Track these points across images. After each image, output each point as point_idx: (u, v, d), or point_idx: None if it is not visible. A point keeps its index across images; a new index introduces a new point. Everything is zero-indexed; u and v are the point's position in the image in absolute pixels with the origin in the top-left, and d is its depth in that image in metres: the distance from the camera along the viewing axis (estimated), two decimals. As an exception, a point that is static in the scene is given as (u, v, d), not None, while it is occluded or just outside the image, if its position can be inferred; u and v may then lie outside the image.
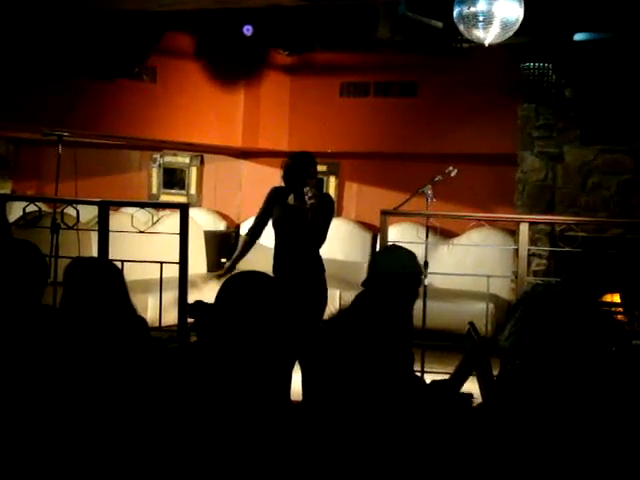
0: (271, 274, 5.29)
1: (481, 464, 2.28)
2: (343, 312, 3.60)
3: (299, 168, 5.43)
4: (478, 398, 3.20)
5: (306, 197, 5.31)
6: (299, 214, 5.39)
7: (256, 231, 5.60)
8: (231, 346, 2.30)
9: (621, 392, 2.33)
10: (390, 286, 3.61)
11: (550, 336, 2.35)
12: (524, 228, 6.16)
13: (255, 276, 2.43)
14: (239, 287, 2.41)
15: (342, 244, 8.55)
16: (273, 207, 5.52)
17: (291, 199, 5.46)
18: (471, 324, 3.62)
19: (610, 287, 4.34)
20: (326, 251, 5.61)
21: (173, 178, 10.34)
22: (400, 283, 3.63)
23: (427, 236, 6.94)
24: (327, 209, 5.49)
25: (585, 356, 2.33)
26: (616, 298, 4.57)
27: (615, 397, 2.32)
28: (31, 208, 6.46)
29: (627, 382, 2.37)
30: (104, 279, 3.02)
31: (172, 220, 7.59)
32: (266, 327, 2.32)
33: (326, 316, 4.75)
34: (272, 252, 5.58)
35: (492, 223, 7.98)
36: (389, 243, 3.96)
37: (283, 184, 5.54)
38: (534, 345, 2.35)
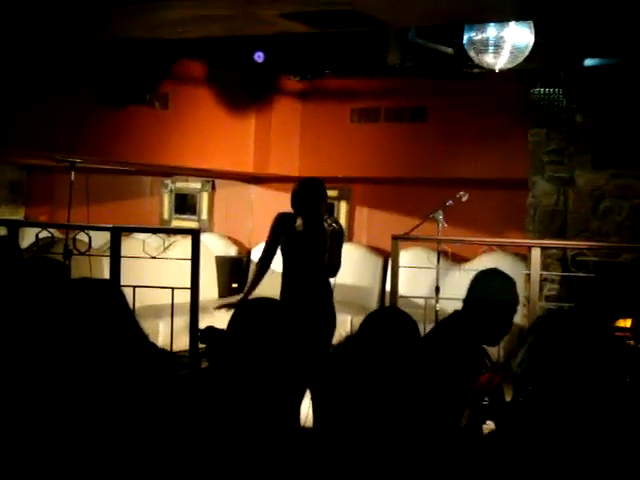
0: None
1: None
2: (437, 327, 3.52)
3: (308, 194, 5.43)
4: (490, 424, 3.18)
5: (326, 224, 5.31)
6: (307, 240, 5.39)
7: (266, 260, 5.56)
8: (243, 373, 2.30)
9: (636, 419, 2.31)
10: (481, 314, 3.50)
11: (563, 362, 2.33)
12: (536, 253, 6.15)
13: (267, 303, 2.43)
14: (252, 314, 2.41)
15: (353, 269, 8.55)
16: (280, 234, 5.50)
17: (299, 225, 5.46)
18: (482, 349, 3.60)
19: (623, 312, 4.32)
20: (337, 276, 5.61)
21: (184, 203, 10.38)
22: (492, 312, 3.50)
23: (438, 261, 6.95)
24: (339, 235, 5.49)
25: (598, 383, 2.31)
26: (627, 323, 4.55)
27: (630, 425, 2.30)
28: (44, 234, 6.50)
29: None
30: (106, 302, 2.99)
31: (183, 245, 7.61)
32: (278, 354, 2.32)
33: (335, 341, 4.72)
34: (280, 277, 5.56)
35: (503, 248, 7.98)
36: (486, 267, 3.79)
37: (292, 210, 5.53)
38: (547, 371, 2.34)
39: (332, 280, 5.48)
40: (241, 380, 2.32)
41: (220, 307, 5.42)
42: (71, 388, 2.53)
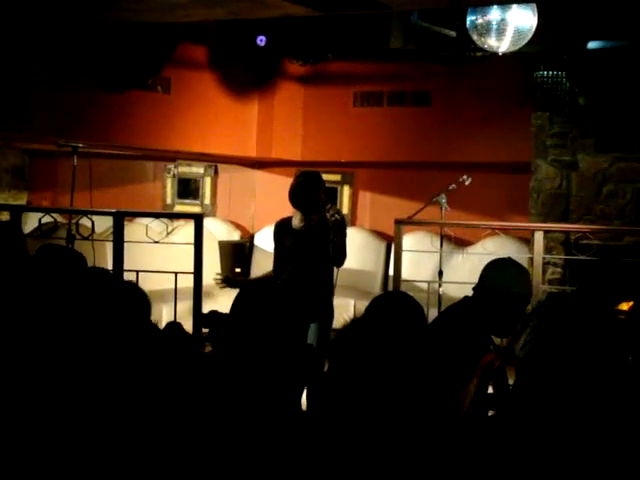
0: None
1: (495, 475, 2.27)
2: (446, 312, 3.50)
3: (306, 188, 5.43)
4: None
5: (328, 214, 5.31)
6: (309, 236, 5.40)
7: (278, 269, 5.54)
8: (246, 356, 2.31)
9: (638, 402, 2.32)
10: (492, 304, 3.45)
11: (566, 345, 2.33)
12: (539, 237, 6.14)
13: (270, 286, 2.44)
14: (255, 297, 2.41)
15: (356, 253, 8.55)
16: (283, 239, 5.52)
17: (296, 221, 5.47)
18: (489, 338, 3.58)
19: (625, 295, 4.31)
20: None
21: (187, 188, 10.38)
22: (503, 302, 3.45)
23: (441, 245, 6.94)
24: (342, 225, 5.47)
25: (602, 365, 2.32)
26: (626, 306, 4.55)
27: (633, 407, 2.31)
28: (46, 219, 6.50)
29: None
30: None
31: (186, 230, 7.62)
32: (280, 337, 2.32)
33: (340, 325, 4.73)
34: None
35: (506, 232, 7.97)
36: (501, 256, 3.71)
37: (291, 204, 5.51)
38: (550, 354, 2.34)
39: (335, 270, 5.49)
40: (244, 364, 2.32)
41: (224, 280, 5.49)
42: (79, 373, 2.55)
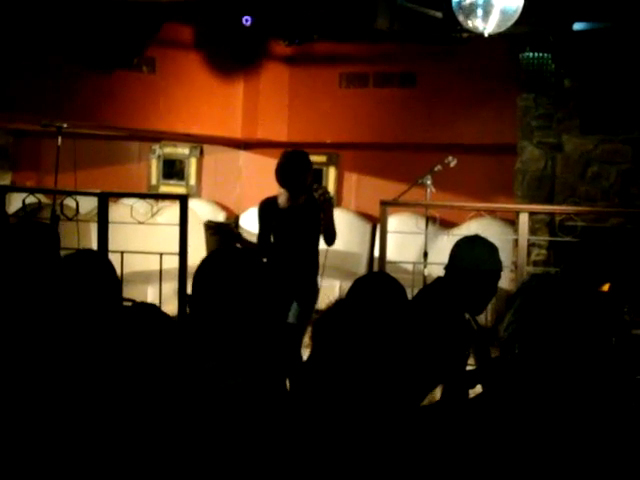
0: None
1: (480, 456, 2.29)
2: (420, 294, 3.49)
3: (293, 166, 5.39)
4: (477, 388, 3.21)
5: (316, 194, 5.30)
6: (296, 215, 5.38)
7: (263, 249, 5.48)
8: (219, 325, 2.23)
9: (621, 382, 2.34)
10: (465, 283, 3.44)
11: (549, 326, 2.35)
12: (524, 218, 6.16)
13: (239, 252, 2.34)
14: (222, 262, 2.27)
15: (341, 234, 8.50)
16: (269, 219, 5.47)
17: (282, 200, 5.44)
18: (466, 317, 3.60)
19: (608, 277, 4.34)
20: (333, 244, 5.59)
21: (172, 169, 10.34)
22: (476, 280, 3.45)
23: (427, 226, 6.96)
24: (330, 204, 5.46)
25: (585, 346, 2.33)
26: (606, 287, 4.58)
27: (615, 387, 2.33)
28: (30, 199, 6.47)
29: (627, 372, 2.37)
30: (97, 274, 2.96)
31: (172, 211, 7.60)
32: (250, 304, 2.21)
33: (324, 305, 4.73)
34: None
35: (492, 213, 7.99)
36: (471, 234, 3.70)
37: (277, 183, 5.48)
38: (533, 335, 2.36)
39: (324, 251, 5.49)
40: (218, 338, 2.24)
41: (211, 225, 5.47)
42: (57, 355, 2.54)
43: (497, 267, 3.52)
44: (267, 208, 5.51)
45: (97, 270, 2.87)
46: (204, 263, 2.26)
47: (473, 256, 3.47)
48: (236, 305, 2.17)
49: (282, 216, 5.42)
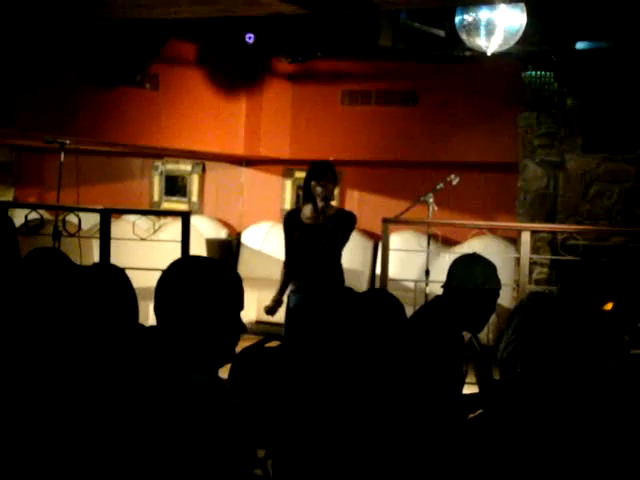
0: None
1: (481, 475, 2.28)
2: (418, 312, 3.47)
3: (308, 177, 5.36)
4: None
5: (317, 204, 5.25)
6: (314, 230, 5.33)
7: (289, 260, 5.48)
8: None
9: (622, 403, 2.32)
10: (463, 302, 3.41)
11: (548, 346, 2.34)
12: (526, 237, 6.15)
13: (199, 261, 2.35)
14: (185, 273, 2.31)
15: (344, 252, 8.55)
16: (292, 231, 5.43)
17: (305, 213, 5.39)
18: (463, 336, 3.58)
19: (610, 296, 4.33)
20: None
21: (175, 186, 10.35)
22: (474, 300, 3.41)
23: (428, 244, 6.95)
24: (347, 221, 5.42)
25: (585, 366, 2.32)
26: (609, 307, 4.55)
27: (616, 409, 2.31)
28: (33, 215, 6.47)
29: (628, 393, 2.36)
30: (114, 286, 2.94)
31: (174, 228, 7.60)
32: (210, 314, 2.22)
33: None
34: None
35: (494, 231, 7.98)
36: (469, 252, 3.69)
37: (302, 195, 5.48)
38: (533, 355, 2.34)
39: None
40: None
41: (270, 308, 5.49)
42: (73, 370, 2.53)
43: (495, 285, 3.49)
44: (290, 218, 5.48)
45: (117, 284, 2.86)
46: (164, 273, 2.32)
47: (471, 274, 3.43)
48: (192, 310, 2.20)
49: (304, 230, 5.36)
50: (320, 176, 5.28)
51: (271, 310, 5.48)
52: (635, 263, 6.28)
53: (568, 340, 2.34)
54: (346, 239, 5.39)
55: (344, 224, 5.35)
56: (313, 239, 5.31)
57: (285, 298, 5.46)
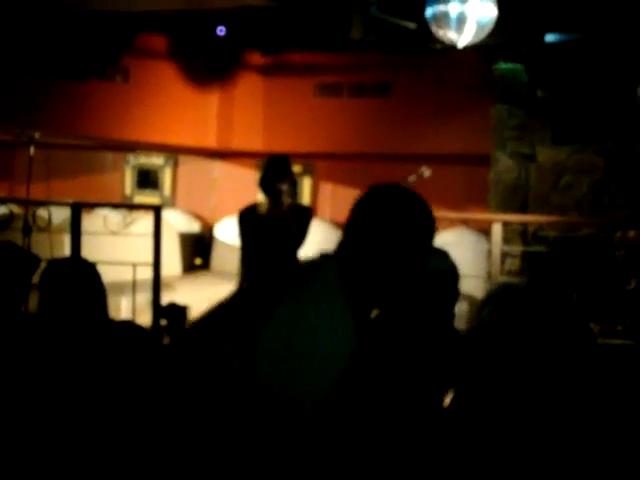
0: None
1: (454, 462, 2.30)
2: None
3: (270, 172, 5.32)
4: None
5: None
6: (271, 223, 5.32)
7: (246, 261, 5.36)
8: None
9: (590, 394, 2.35)
10: (423, 290, 3.35)
11: (517, 336, 2.36)
12: (497, 228, 6.19)
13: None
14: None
15: (317, 245, 8.53)
16: (248, 228, 5.34)
17: (262, 207, 5.34)
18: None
19: (578, 286, 4.37)
20: (300, 252, 5.58)
21: (147, 179, 10.29)
22: (432, 286, 3.30)
23: (401, 236, 6.96)
24: (304, 216, 5.39)
25: (553, 356, 2.35)
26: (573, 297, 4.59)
27: (585, 399, 2.34)
28: (2, 210, 6.41)
29: (595, 383, 2.39)
30: (83, 280, 2.94)
31: (146, 221, 7.56)
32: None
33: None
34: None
35: (465, 223, 8.02)
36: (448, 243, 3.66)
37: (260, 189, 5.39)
38: (501, 345, 2.37)
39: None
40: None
41: None
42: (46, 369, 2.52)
43: (447, 269, 3.52)
44: (245, 216, 5.34)
45: (86, 278, 2.85)
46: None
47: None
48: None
49: (262, 225, 5.29)
50: (282, 176, 5.27)
51: None
52: (603, 253, 6.34)
53: (536, 329, 2.36)
54: (305, 234, 5.34)
55: (302, 218, 5.32)
56: (277, 232, 5.27)
57: None
